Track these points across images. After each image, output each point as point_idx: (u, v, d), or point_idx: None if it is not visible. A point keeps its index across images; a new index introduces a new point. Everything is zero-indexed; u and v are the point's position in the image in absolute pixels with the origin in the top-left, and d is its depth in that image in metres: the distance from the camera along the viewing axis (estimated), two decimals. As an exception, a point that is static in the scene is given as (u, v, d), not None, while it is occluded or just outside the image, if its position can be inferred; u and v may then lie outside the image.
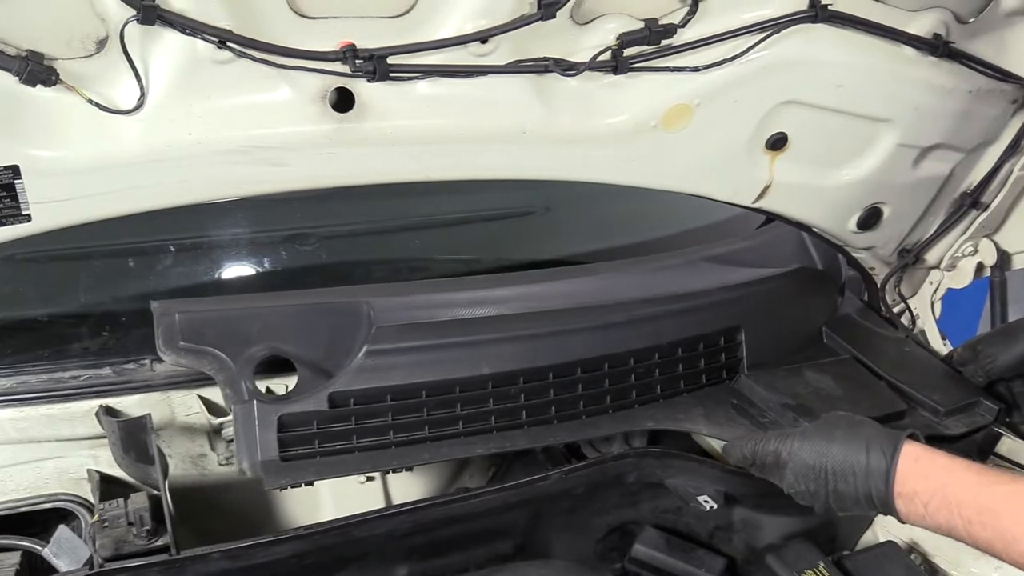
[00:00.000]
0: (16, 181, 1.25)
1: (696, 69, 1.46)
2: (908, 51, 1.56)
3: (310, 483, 1.40)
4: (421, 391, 1.48)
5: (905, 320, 2.05)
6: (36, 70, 1.17)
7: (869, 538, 1.74)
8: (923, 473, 1.25)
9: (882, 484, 1.26)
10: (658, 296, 1.73)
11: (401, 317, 1.53)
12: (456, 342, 1.54)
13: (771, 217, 1.93)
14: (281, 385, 1.53)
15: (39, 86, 1.19)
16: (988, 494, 1.20)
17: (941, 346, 2.02)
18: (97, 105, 1.22)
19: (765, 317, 1.82)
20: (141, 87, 1.24)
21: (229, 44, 1.22)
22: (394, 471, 1.45)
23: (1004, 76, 1.65)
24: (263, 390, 1.46)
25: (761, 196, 1.72)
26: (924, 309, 2.06)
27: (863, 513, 1.32)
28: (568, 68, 1.40)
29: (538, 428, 1.55)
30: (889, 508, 1.27)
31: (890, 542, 1.64)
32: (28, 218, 1.28)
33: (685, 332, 1.73)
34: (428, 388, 1.49)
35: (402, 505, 1.45)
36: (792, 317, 1.95)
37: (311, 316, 1.47)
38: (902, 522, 1.28)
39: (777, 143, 1.63)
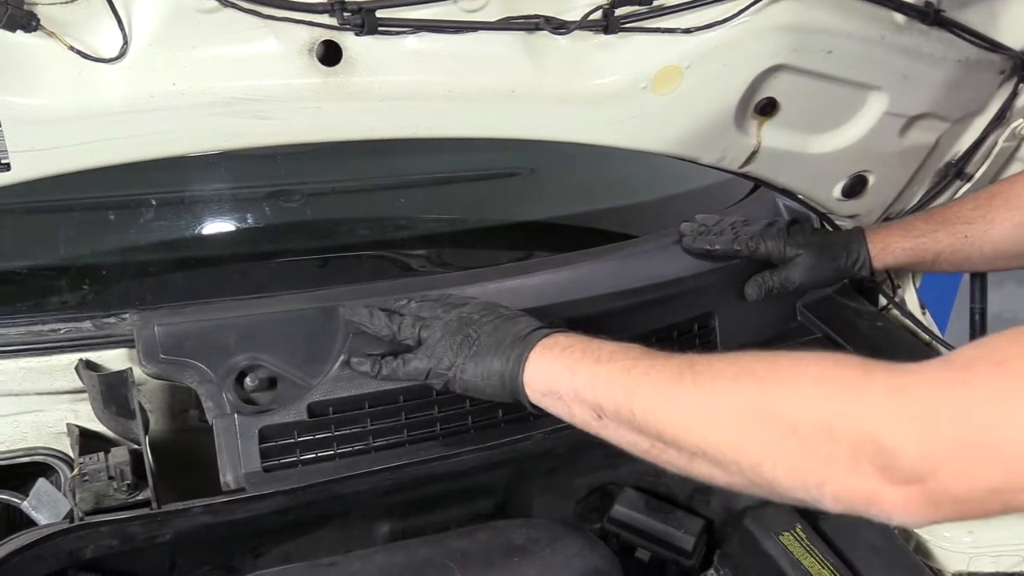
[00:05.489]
0: (-5, 129, 1.22)
1: (687, 31, 1.44)
2: (899, 18, 1.55)
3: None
4: (399, 396, 1.47)
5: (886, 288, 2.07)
6: (16, 15, 1.13)
7: (845, 502, 1.76)
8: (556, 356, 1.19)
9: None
10: (631, 288, 1.70)
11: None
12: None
13: (756, 184, 1.94)
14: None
15: (19, 31, 1.16)
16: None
17: (920, 315, 2.04)
18: (79, 52, 1.19)
19: (739, 300, 1.81)
20: (124, 35, 1.21)
21: (215, -8, 1.20)
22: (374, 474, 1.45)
23: (992, 46, 1.65)
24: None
25: (748, 161, 1.72)
26: (905, 279, 2.07)
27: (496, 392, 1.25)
28: (559, 26, 1.38)
29: (517, 424, 1.55)
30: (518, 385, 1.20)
31: (865, 506, 1.66)
32: (7, 167, 1.26)
33: (658, 322, 1.72)
34: (405, 393, 1.47)
35: (385, 463, 1.45)
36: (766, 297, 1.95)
37: (289, 324, 1.45)
38: (533, 407, 1.22)
39: (766, 108, 1.62)
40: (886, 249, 1.72)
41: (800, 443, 0.93)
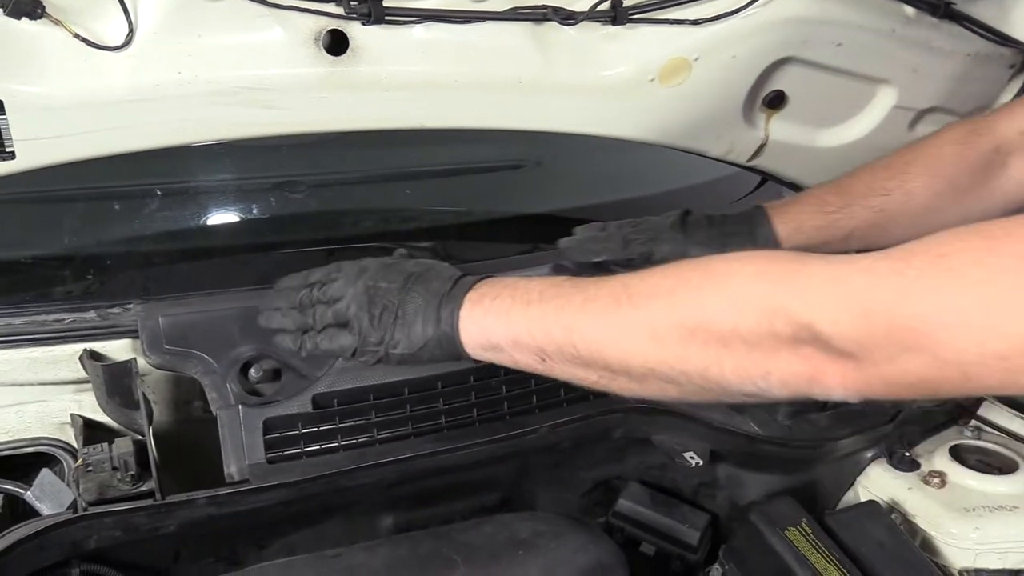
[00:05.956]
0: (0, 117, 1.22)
1: (696, 22, 1.44)
2: (909, 11, 1.55)
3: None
4: (403, 388, 1.47)
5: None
6: (21, 2, 1.13)
7: (851, 497, 1.76)
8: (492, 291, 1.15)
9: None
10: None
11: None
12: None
13: (763, 178, 1.93)
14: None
15: (24, 19, 1.15)
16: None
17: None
18: (84, 40, 1.19)
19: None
20: (129, 23, 1.20)
21: (221, -20, 1.19)
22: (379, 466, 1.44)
23: (1003, 40, 1.64)
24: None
25: (756, 155, 1.71)
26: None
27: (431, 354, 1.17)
28: (567, 17, 1.38)
29: (520, 418, 1.54)
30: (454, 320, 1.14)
31: (872, 502, 1.65)
32: (12, 155, 1.25)
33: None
34: (410, 385, 1.47)
35: (389, 456, 1.44)
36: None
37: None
38: (468, 355, 1.16)
39: (774, 101, 1.62)
40: (799, 229, 1.50)
41: (742, 341, 0.94)
